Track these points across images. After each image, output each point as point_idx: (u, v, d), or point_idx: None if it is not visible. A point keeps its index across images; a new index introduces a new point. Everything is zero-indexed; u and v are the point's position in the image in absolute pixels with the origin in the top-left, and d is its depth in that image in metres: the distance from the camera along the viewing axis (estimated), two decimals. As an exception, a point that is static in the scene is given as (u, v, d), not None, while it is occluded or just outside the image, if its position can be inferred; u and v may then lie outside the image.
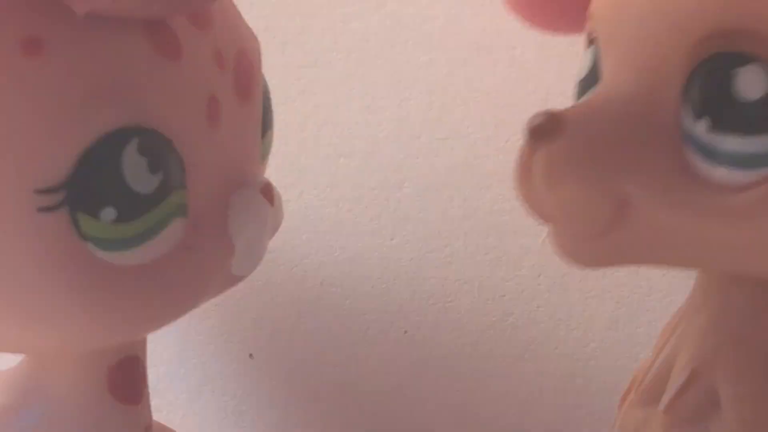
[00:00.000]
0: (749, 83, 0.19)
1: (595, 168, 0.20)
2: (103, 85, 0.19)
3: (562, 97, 0.25)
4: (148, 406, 0.25)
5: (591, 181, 0.21)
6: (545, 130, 0.21)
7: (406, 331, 0.36)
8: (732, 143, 0.19)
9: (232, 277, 0.22)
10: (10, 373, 0.24)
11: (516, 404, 0.34)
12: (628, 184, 0.20)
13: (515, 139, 0.24)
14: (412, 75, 0.40)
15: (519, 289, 0.36)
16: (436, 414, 0.34)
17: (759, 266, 0.21)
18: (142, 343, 0.24)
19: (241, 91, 0.22)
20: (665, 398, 0.24)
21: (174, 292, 0.21)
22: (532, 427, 0.34)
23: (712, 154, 0.20)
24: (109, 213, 0.19)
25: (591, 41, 0.24)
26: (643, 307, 0.35)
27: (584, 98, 0.23)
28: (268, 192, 0.22)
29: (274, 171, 0.25)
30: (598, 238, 0.21)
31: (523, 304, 0.36)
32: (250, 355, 0.36)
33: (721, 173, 0.20)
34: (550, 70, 0.39)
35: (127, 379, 0.24)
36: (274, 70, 0.24)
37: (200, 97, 0.20)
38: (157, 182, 0.19)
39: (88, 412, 0.23)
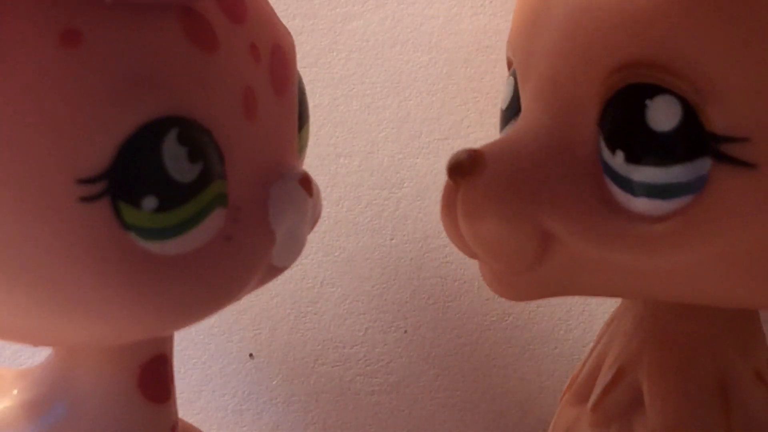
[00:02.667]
0: (662, 114, 0.19)
1: (515, 204, 0.20)
2: (141, 76, 0.19)
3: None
4: (175, 404, 0.25)
5: (512, 218, 0.21)
6: (465, 167, 0.21)
7: (405, 331, 0.36)
8: (648, 174, 0.19)
9: (272, 269, 0.22)
10: (39, 369, 0.24)
11: (515, 404, 0.34)
12: (549, 218, 0.20)
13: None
14: (412, 75, 0.40)
15: (519, 289, 0.36)
16: (436, 413, 0.34)
17: (681, 295, 0.21)
18: (170, 342, 0.25)
19: (277, 85, 0.22)
20: (593, 397, 0.25)
21: (215, 282, 0.21)
22: (532, 426, 0.34)
23: (629, 186, 0.20)
24: (150, 202, 0.19)
25: (510, 69, 0.24)
26: (642, 307, 0.35)
27: (505, 131, 0.24)
28: (306, 183, 0.22)
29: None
30: (524, 273, 0.21)
31: (523, 304, 0.36)
32: (250, 355, 0.36)
33: (640, 204, 0.20)
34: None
35: (156, 378, 0.24)
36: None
37: (237, 89, 0.20)
38: (197, 171, 0.19)
39: (118, 409, 0.23)
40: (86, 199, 0.19)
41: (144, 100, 0.19)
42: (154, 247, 0.19)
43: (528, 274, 0.21)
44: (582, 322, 0.36)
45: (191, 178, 0.19)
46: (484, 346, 0.35)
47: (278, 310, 0.36)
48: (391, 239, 0.38)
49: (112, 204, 0.19)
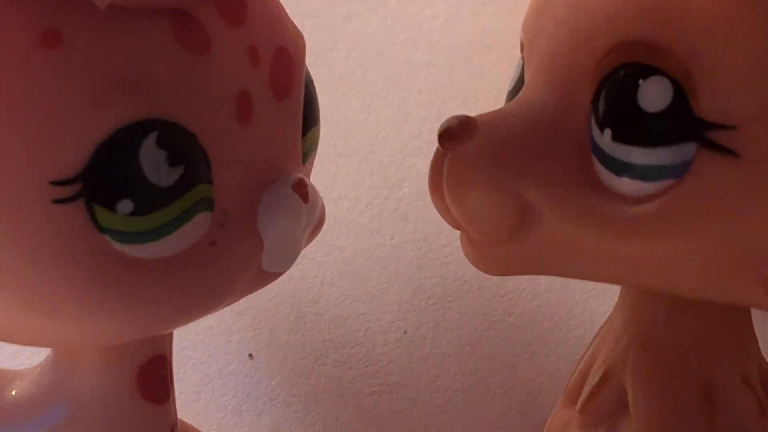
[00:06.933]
0: (652, 95, 0.19)
1: (498, 174, 0.20)
2: (121, 78, 0.19)
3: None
4: (174, 405, 0.25)
5: (493, 187, 0.20)
6: (455, 133, 0.21)
7: (406, 331, 0.36)
8: (633, 154, 0.19)
9: (264, 274, 0.22)
10: (38, 370, 0.24)
11: (516, 404, 0.34)
12: (531, 191, 0.20)
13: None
14: (412, 75, 0.40)
15: (519, 289, 0.36)
16: (436, 414, 0.34)
17: (654, 283, 0.21)
18: (169, 342, 0.24)
19: (278, 88, 0.21)
20: (581, 399, 0.25)
21: (197, 287, 0.20)
22: (532, 427, 0.34)
23: (615, 165, 0.19)
24: (125, 205, 0.19)
25: (522, 53, 0.24)
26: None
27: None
28: (300, 188, 0.21)
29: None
30: (502, 245, 0.21)
31: (523, 304, 0.36)
32: (250, 355, 0.36)
33: (624, 184, 0.20)
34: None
35: (155, 378, 0.24)
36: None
37: (229, 92, 0.20)
38: (177, 175, 0.19)
39: (117, 409, 0.23)
40: (60, 201, 0.18)
41: (123, 103, 0.18)
42: (132, 250, 0.19)
43: (506, 247, 0.21)
44: (583, 323, 0.36)
45: (170, 183, 0.19)
46: (485, 346, 0.35)
47: (278, 310, 0.36)
48: (391, 239, 0.38)
49: (87, 207, 0.19)
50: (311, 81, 0.24)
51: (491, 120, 0.21)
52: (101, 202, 0.19)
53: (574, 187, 0.20)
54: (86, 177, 0.18)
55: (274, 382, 0.35)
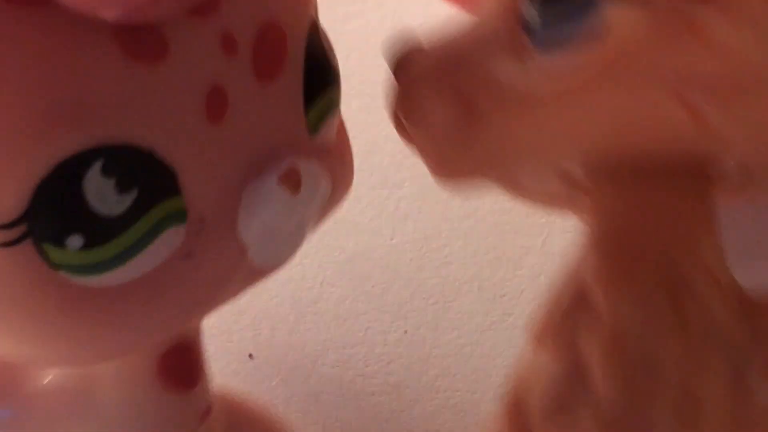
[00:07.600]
0: None
1: (439, 78, 0.22)
2: (57, 109, 0.17)
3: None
4: (206, 388, 0.24)
5: (438, 90, 0.22)
6: (402, 60, 0.23)
7: (406, 331, 0.36)
8: (556, 29, 0.20)
9: (259, 269, 0.21)
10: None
11: (516, 404, 0.34)
12: (470, 85, 0.22)
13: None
14: (412, 75, 0.40)
15: (519, 289, 0.36)
16: (436, 414, 0.34)
17: (608, 133, 0.21)
18: (194, 330, 0.24)
19: (263, 71, 0.20)
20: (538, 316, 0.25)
21: (178, 301, 0.20)
22: (533, 428, 0.34)
23: (542, 37, 0.21)
24: (75, 241, 0.18)
25: None
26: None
27: None
28: (289, 178, 0.20)
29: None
30: (455, 147, 0.22)
31: (523, 304, 0.36)
32: (250, 355, 0.36)
33: (557, 59, 0.21)
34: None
35: (178, 366, 0.23)
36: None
37: (195, 93, 0.18)
38: (129, 200, 0.18)
39: (137, 400, 0.23)
40: (7, 245, 0.17)
41: (60, 137, 0.17)
42: (92, 281, 0.18)
43: (460, 149, 0.22)
44: (582, 323, 0.36)
45: (122, 210, 0.18)
46: (485, 346, 0.35)
47: (278, 311, 0.36)
48: (391, 239, 0.38)
49: (35, 246, 0.18)
50: (319, 40, 0.22)
51: (434, 40, 0.23)
52: (49, 240, 0.18)
53: (509, 59, 0.21)
54: (30, 218, 0.17)
55: (273, 383, 0.35)
